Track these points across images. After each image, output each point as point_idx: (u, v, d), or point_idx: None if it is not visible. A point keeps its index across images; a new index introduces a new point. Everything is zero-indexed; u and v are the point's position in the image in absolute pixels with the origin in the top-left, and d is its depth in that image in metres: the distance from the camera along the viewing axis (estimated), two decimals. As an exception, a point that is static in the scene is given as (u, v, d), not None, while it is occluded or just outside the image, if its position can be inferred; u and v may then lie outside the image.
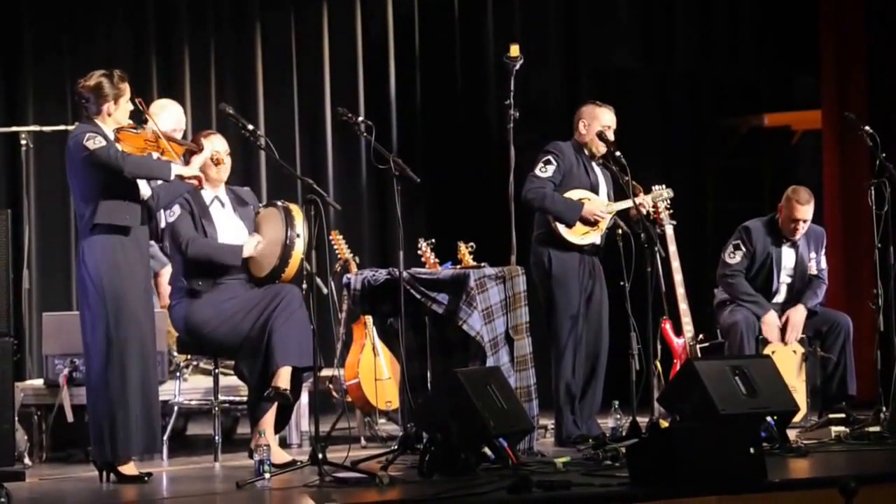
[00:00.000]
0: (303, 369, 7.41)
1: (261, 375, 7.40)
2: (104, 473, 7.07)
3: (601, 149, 8.37)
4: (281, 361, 7.32)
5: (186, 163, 7.27)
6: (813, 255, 9.21)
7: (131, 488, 6.94)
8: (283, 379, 7.33)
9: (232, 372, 7.84)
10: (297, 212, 7.62)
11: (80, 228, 7.08)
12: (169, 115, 8.21)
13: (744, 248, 9.13)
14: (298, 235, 7.53)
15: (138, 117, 7.23)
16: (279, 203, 7.78)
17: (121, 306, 6.97)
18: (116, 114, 7.07)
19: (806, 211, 9.05)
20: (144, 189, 7.12)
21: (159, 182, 7.17)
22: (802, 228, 9.09)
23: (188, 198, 7.56)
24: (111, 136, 7.03)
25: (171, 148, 7.15)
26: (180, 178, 7.14)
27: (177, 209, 7.56)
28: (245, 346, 7.45)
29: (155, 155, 7.12)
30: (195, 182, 7.23)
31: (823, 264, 9.27)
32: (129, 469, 7.06)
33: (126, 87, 7.10)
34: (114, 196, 6.98)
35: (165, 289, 8.18)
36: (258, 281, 7.63)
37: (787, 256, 9.17)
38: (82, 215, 7.04)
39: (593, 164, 8.45)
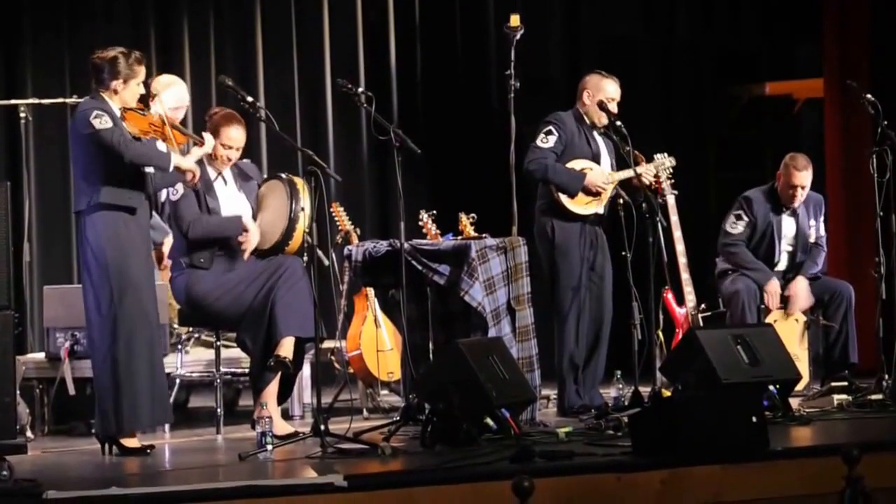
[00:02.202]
0: (305, 340, 7.42)
1: (264, 346, 7.40)
2: (106, 446, 7.08)
3: (603, 119, 8.35)
4: (284, 331, 7.33)
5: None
6: (813, 222, 9.20)
7: (134, 461, 6.94)
8: (286, 349, 7.33)
9: (234, 344, 7.83)
10: (301, 185, 7.59)
11: (82, 206, 7.01)
12: (172, 93, 8.16)
13: (745, 218, 9.11)
14: (303, 209, 7.50)
15: (146, 100, 7.20)
16: (283, 176, 7.75)
17: (124, 279, 6.95)
18: (124, 93, 7.02)
19: (804, 177, 9.03)
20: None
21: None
22: (801, 195, 9.07)
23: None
24: (117, 114, 7.00)
25: (174, 136, 7.13)
26: (178, 169, 7.11)
27: (180, 186, 7.51)
28: (248, 316, 7.44)
29: (159, 143, 7.06)
30: (189, 177, 7.20)
31: (822, 231, 9.26)
32: (132, 441, 7.07)
33: (140, 71, 7.05)
34: (118, 179, 6.95)
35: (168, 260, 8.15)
36: (261, 254, 7.62)
37: (788, 225, 9.15)
38: (84, 194, 6.99)
39: (594, 132, 8.43)
